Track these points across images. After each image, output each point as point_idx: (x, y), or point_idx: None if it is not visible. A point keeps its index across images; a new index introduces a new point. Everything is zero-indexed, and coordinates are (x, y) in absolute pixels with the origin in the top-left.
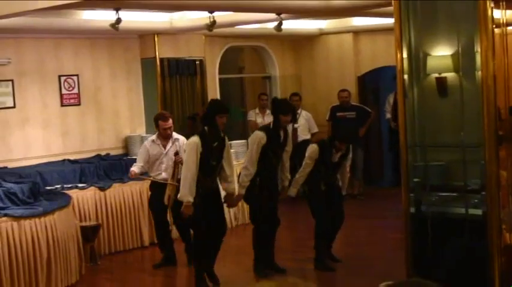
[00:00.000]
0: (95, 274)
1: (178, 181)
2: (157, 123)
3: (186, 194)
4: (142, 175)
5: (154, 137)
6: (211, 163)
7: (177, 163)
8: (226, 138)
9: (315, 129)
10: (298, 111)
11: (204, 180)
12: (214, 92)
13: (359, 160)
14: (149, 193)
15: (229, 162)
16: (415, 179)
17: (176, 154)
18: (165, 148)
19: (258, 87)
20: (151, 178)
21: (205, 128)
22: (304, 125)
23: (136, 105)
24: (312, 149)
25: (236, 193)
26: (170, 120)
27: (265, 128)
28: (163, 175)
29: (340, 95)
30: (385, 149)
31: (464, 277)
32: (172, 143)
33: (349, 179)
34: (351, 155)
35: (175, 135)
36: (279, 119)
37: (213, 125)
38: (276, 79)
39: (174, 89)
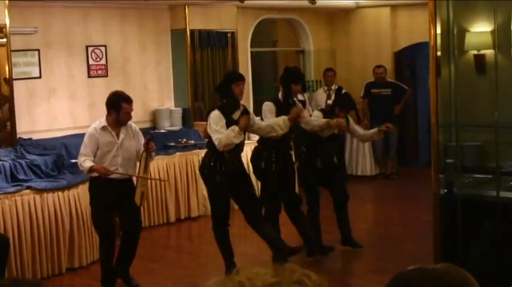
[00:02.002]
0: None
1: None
2: (118, 105)
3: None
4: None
5: (103, 122)
6: None
7: (150, 152)
8: (247, 108)
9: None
10: (332, 87)
11: (228, 157)
12: (245, 65)
13: (393, 138)
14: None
15: (260, 121)
16: (448, 160)
17: (149, 140)
18: (118, 137)
19: (291, 61)
20: (129, 174)
21: (224, 101)
22: None
23: (165, 78)
24: (314, 113)
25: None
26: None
27: (273, 99)
28: (120, 170)
29: (375, 71)
30: (421, 127)
31: (495, 262)
32: (126, 131)
33: (382, 159)
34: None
35: None
36: (290, 88)
37: (230, 94)
38: (310, 53)
39: (205, 62)
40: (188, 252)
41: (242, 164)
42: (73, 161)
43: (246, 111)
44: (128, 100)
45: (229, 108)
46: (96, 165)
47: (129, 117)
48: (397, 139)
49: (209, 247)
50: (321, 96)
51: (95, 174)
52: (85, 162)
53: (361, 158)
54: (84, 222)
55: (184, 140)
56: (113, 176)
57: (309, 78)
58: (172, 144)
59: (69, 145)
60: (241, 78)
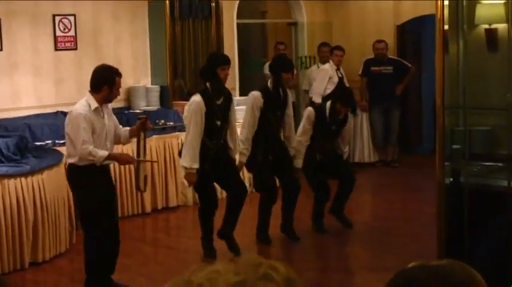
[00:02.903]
0: None
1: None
2: (113, 80)
3: (190, 160)
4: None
5: (94, 101)
6: (216, 124)
7: (146, 130)
8: (231, 95)
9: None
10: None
11: (210, 144)
12: (231, 39)
13: (394, 122)
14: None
15: (231, 126)
16: (454, 146)
17: (146, 118)
18: (103, 117)
19: (282, 34)
20: (146, 160)
21: (207, 84)
22: None
23: (141, 52)
24: (308, 112)
25: (237, 161)
26: None
27: (262, 88)
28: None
29: (375, 47)
30: (425, 110)
31: (505, 259)
32: (106, 111)
33: (382, 144)
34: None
35: None
36: (281, 77)
37: (215, 79)
38: (303, 26)
39: (186, 34)
40: (166, 246)
41: (227, 148)
42: (38, 143)
43: (229, 98)
44: (120, 74)
45: (214, 93)
46: (114, 152)
47: (119, 94)
48: (398, 123)
49: (189, 241)
50: (315, 74)
51: (107, 162)
52: (95, 151)
53: (358, 143)
54: (49, 212)
55: (162, 121)
56: (106, 162)
57: (301, 54)
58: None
59: (33, 126)
60: (227, 62)
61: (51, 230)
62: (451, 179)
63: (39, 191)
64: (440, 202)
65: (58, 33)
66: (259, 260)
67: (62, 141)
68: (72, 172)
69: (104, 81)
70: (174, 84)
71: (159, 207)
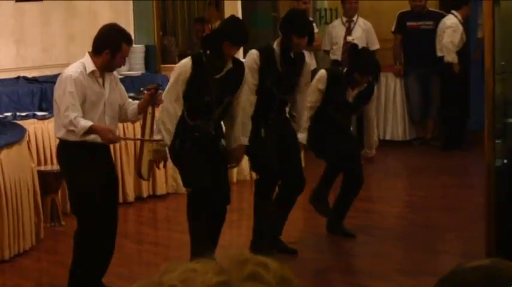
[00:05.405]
0: (57, 238)
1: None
2: (118, 45)
3: (160, 131)
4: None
5: (91, 65)
6: (205, 99)
7: (156, 104)
8: (244, 68)
9: (376, 46)
10: (354, 18)
11: (194, 124)
12: None
13: (435, 91)
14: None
15: (240, 105)
16: (508, 120)
17: (157, 89)
18: (103, 86)
19: None
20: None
21: (207, 51)
22: (361, 38)
23: (121, 5)
24: (320, 74)
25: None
26: None
27: (263, 48)
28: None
29: None
30: (473, 76)
31: None
32: (110, 80)
33: (420, 119)
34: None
35: None
36: (291, 40)
37: (218, 52)
38: None
39: None
40: (152, 242)
41: (217, 135)
42: None
43: (236, 75)
44: (130, 41)
45: (211, 65)
46: (98, 125)
47: (124, 63)
48: (440, 92)
49: (181, 237)
50: (339, 31)
51: (91, 137)
52: (77, 120)
53: (390, 117)
54: (9, 199)
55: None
56: (99, 140)
57: (320, 6)
58: (132, 95)
59: None
60: (241, 42)
61: (11, 223)
62: (504, 161)
63: None
64: (490, 188)
65: None
66: (246, 256)
67: (23, 114)
68: (62, 148)
69: (108, 44)
70: (162, 43)
71: (144, 195)
